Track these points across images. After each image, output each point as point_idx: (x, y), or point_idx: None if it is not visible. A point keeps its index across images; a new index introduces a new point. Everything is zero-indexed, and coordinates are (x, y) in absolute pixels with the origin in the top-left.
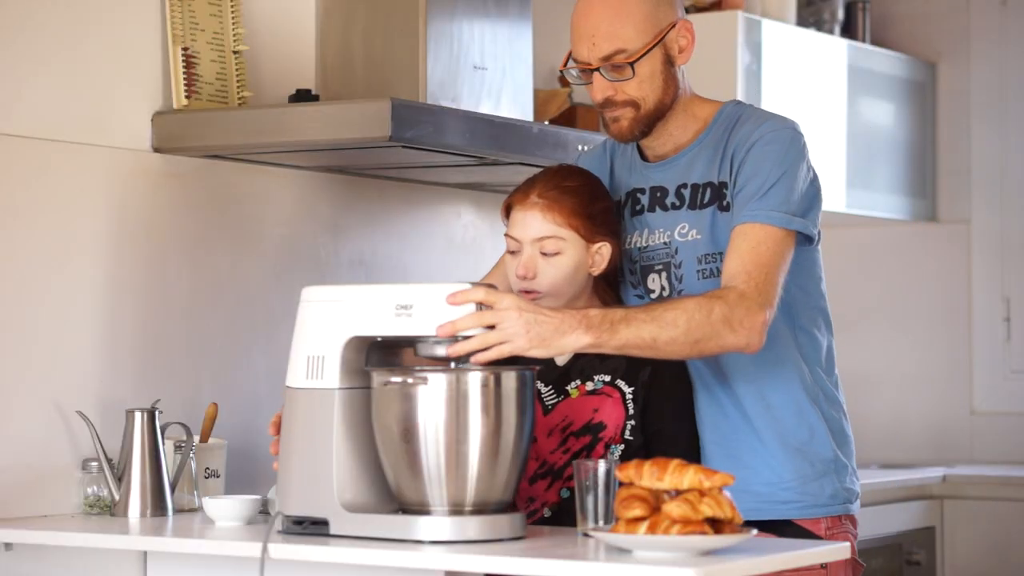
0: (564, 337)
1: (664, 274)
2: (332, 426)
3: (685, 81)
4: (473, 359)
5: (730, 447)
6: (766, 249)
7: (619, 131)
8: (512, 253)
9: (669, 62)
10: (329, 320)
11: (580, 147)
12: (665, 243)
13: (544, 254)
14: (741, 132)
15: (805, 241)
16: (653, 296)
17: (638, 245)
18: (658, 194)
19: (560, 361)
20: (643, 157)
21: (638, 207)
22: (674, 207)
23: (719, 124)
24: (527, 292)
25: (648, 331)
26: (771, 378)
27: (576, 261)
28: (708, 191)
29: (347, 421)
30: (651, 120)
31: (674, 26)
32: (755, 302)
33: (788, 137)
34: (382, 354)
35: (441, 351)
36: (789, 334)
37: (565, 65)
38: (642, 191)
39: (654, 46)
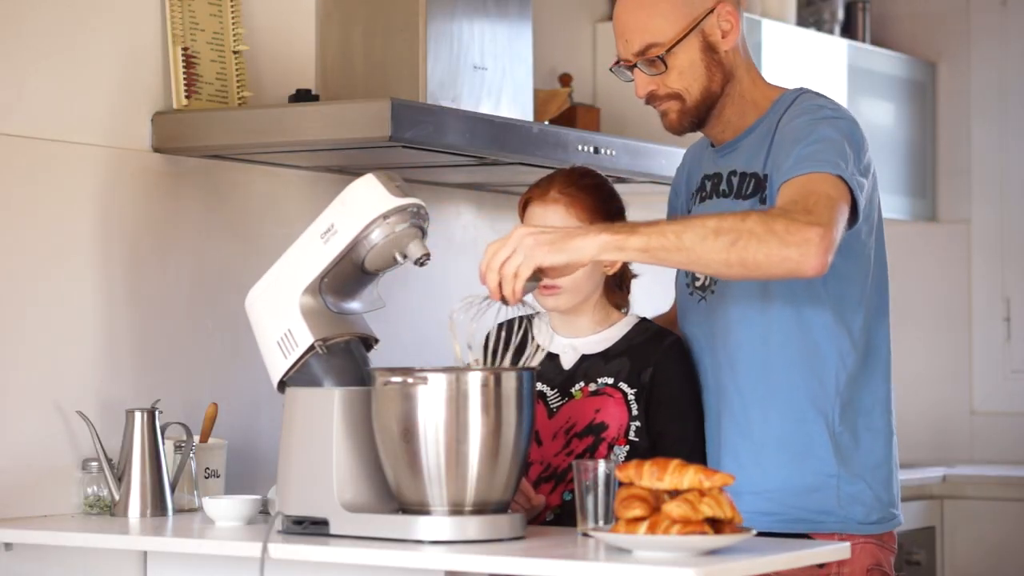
0: (574, 239)
1: None
2: (332, 426)
3: (744, 66)
4: (508, 294)
5: (726, 448)
6: (815, 186)
7: (669, 124)
8: None
9: (710, 49)
10: (276, 299)
11: (580, 147)
12: None
13: None
14: (785, 118)
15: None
16: (697, 284)
17: None
18: (715, 181)
19: (565, 364)
20: (713, 143)
21: (703, 194)
22: (724, 195)
23: (775, 110)
24: (546, 287)
25: (673, 229)
26: (776, 380)
27: None
28: (752, 182)
29: (347, 421)
30: (700, 110)
31: (712, 11)
32: (801, 218)
33: (823, 112)
34: (348, 289)
35: (492, 307)
36: (802, 333)
37: (616, 64)
38: (707, 177)
39: (685, 36)
